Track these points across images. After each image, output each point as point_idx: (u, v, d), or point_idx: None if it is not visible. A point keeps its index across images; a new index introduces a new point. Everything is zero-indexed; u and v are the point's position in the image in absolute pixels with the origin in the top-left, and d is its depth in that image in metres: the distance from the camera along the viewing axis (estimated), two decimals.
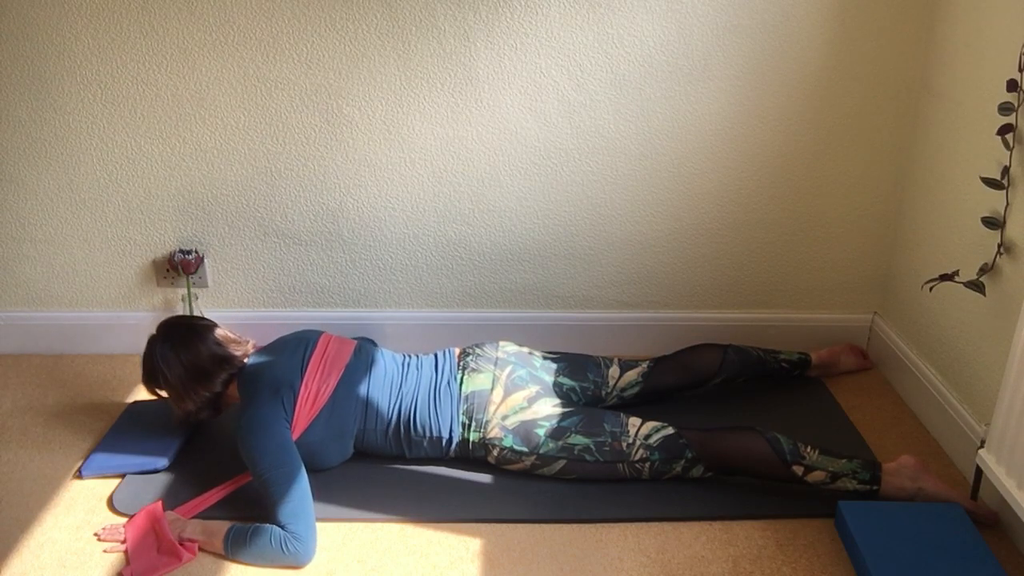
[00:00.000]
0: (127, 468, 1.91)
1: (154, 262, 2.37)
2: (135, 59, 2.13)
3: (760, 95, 2.18)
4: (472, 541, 1.74)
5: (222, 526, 1.69)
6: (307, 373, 1.86)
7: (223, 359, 1.89)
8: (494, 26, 2.10)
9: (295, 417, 1.81)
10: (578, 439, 1.85)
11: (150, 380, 1.92)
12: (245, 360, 1.93)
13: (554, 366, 2.08)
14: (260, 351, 1.96)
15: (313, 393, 1.85)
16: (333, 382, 1.88)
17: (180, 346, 1.87)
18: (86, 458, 1.95)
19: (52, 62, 2.13)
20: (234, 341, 1.95)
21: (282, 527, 1.64)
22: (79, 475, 1.91)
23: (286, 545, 1.62)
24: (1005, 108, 1.74)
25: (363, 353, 1.99)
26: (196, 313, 2.39)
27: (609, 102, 2.18)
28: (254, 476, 1.73)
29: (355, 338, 2.33)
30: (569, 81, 2.16)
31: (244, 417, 1.79)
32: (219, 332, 1.94)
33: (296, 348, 1.92)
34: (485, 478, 1.91)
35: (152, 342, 1.90)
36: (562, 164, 2.25)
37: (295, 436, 1.80)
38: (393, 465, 1.94)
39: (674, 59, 2.13)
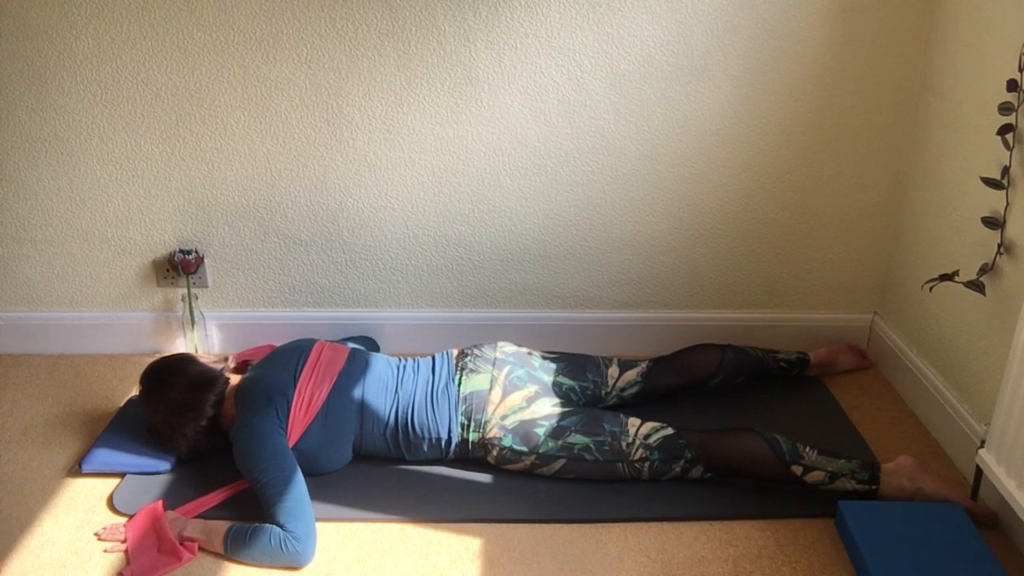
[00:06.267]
0: (129, 468, 1.91)
1: (154, 262, 2.37)
2: (135, 59, 2.13)
3: (760, 95, 2.18)
4: (472, 541, 1.74)
5: (222, 526, 1.69)
6: (300, 380, 1.87)
7: (204, 381, 1.89)
8: (494, 26, 2.10)
9: (290, 424, 1.82)
10: (578, 438, 1.85)
11: (148, 433, 1.95)
12: (228, 375, 1.94)
13: (553, 366, 2.08)
14: (255, 365, 1.97)
15: (307, 400, 1.85)
16: (327, 388, 1.88)
17: (157, 387, 1.89)
18: (86, 452, 1.95)
19: (52, 62, 2.13)
20: (212, 361, 1.97)
21: (281, 527, 1.65)
22: (78, 469, 1.91)
23: (285, 545, 1.63)
24: (1005, 108, 1.74)
25: (357, 358, 1.99)
26: (196, 313, 2.40)
27: (609, 102, 2.18)
28: (251, 482, 1.73)
29: (354, 337, 2.35)
30: (569, 81, 2.16)
31: (239, 426, 1.79)
32: (195, 358, 1.96)
33: (290, 357, 1.93)
34: (485, 478, 1.91)
35: (138, 396, 1.93)
36: (562, 164, 2.25)
37: (291, 443, 1.80)
38: (393, 465, 1.94)
39: (674, 59, 2.13)
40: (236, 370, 2.04)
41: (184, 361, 1.94)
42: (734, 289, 2.43)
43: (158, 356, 2.06)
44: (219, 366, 1.95)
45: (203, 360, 1.96)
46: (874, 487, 1.78)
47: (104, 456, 1.92)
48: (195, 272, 2.34)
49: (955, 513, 1.72)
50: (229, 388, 1.93)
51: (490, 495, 1.86)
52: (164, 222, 2.32)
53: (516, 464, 1.89)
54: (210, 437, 1.90)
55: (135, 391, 2.25)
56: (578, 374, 2.08)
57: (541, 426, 1.87)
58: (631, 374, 2.12)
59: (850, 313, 2.46)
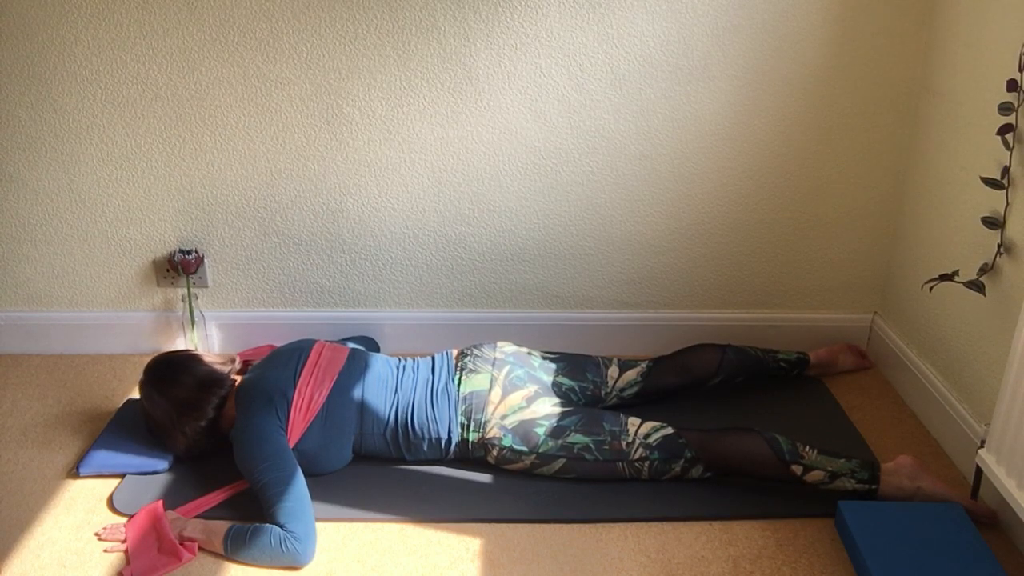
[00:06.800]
0: (127, 468, 1.91)
1: (154, 262, 2.37)
2: (135, 59, 2.13)
3: (760, 95, 2.18)
4: (472, 541, 1.74)
5: (222, 526, 1.69)
6: (300, 381, 1.87)
7: (210, 382, 1.88)
8: (494, 26, 2.10)
9: (290, 425, 1.81)
10: (578, 438, 1.85)
11: (145, 426, 1.95)
12: (234, 376, 1.94)
13: (553, 366, 2.08)
14: (255, 365, 1.97)
15: (307, 400, 1.85)
16: (327, 389, 1.88)
17: (162, 383, 1.88)
18: (83, 456, 1.95)
19: (52, 62, 2.13)
20: (219, 361, 1.96)
21: (281, 527, 1.65)
22: (76, 473, 1.91)
23: (285, 545, 1.62)
24: (1005, 108, 1.74)
25: (357, 359, 1.99)
26: (196, 313, 2.40)
27: (609, 102, 2.18)
28: (251, 482, 1.73)
29: (354, 337, 2.35)
30: (569, 81, 2.16)
31: (239, 427, 1.79)
32: (203, 356, 1.95)
33: (289, 358, 1.93)
34: (485, 478, 1.91)
35: (140, 388, 1.92)
36: (562, 164, 2.25)
37: (292, 443, 1.80)
38: (393, 465, 1.94)
39: (674, 59, 2.13)
40: (241, 372, 2.04)
41: (192, 359, 1.93)
42: (734, 289, 2.43)
43: (162, 351, 2.04)
44: (226, 368, 1.95)
45: (209, 360, 1.95)
46: (874, 486, 1.78)
47: (101, 458, 1.92)
48: (195, 272, 2.34)
49: (955, 513, 1.72)
50: (232, 390, 1.92)
51: (490, 495, 1.86)
52: (164, 222, 2.32)
53: (516, 464, 1.89)
54: (209, 438, 1.90)
55: (134, 391, 2.25)
56: (578, 374, 2.08)
57: (541, 426, 1.87)
58: (631, 374, 2.12)
59: (850, 313, 2.46)
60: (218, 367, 1.93)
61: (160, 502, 1.78)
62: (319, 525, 1.75)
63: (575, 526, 1.78)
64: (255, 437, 1.76)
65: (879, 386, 2.32)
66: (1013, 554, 1.71)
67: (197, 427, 1.87)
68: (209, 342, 2.45)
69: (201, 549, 1.69)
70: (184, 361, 1.92)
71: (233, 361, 1.99)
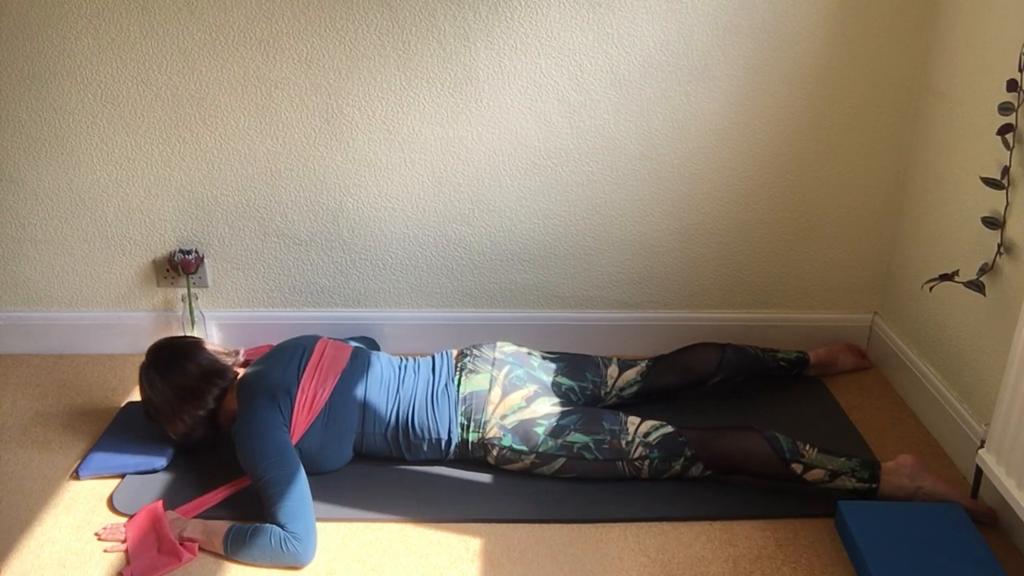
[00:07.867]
0: (125, 468, 1.91)
1: (154, 262, 2.37)
2: (135, 59, 2.13)
3: (760, 95, 2.18)
4: (472, 541, 1.74)
5: (222, 526, 1.69)
6: (303, 378, 1.87)
7: (213, 372, 1.88)
8: (494, 26, 2.10)
9: (293, 422, 1.81)
10: (577, 437, 1.85)
11: (143, 408, 1.94)
12: (237, 370, 1.93)
13: (553, 366, 2.08)
14: (258, 360, 1.97)
15: (310, 398, 1.85)
16: (330, 387, 1.88)
17: (165, 368, 1.87)
18: (83, 459, 1.95)
19: (52, 62, 2.13)
20: (223, 353, 1.95)
21: (282, 527, 1.64)
22: (76, 476, 1.91)
23: (285, 545, 1.62)
24: (1005, 108, 1.74)
25: (360, 357, 1.99)
26: (196, 313, 2.40)
27: (609, 102, 2.18)
28: (253, 479, 1.73)
29: (355, 337, 2.35)
30: (569, 81, 2.16)
31: (242, 423, 1.79)
32: (207, 346, 1.94)
33: (293, 355, 1.93)
34: (485, 478, 1.91)
35: (141, 370, 1.91)
36: (562, 164, 2.25)
37: (293, 441, 1.80)
38: (393, 465, 1.94)
39: (674, 59, 2.13)
40: (243, 366, 2.04)
41: (196, 347, 1.92)
42: (734, 289, 2.43)
43: (166, 336, 2.02)
44: (229, 359, 1.95)
45: (213, 349, 1.94)
46: (874, 485, 1.78)
47: (100, 460, 1.92)
48: (195, 272, 2.34)
49: (955, 513, 1.72)
50: (233, 383, 1.92)
51: (490, 495, 1.86)
52: (164, 222, 2.32)
53: (516, 464, 1.89)
54: (206, 428, 1.90)
55: (134, 391, 2.25)
56: (577, 374, 2.08)
57: (541, 425, 1.87)
58: (630, 374, 2.12)
59: (850, 313, 2.46)
60: (222, 357, 1.93)
61: (160, 502, 1.78)
62: (319, 525, 1.75)
63: (575, 526, 1.78)
64: (258, 434, 1.76)
65: (879, 386, 2.32)
66: (1013, 554, 1.71)
67: (196, 415, 1.86)
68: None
69: (201, 549, 1.69)
70: (188, 347, 1.91)
71: (237, 354, 1.99)
